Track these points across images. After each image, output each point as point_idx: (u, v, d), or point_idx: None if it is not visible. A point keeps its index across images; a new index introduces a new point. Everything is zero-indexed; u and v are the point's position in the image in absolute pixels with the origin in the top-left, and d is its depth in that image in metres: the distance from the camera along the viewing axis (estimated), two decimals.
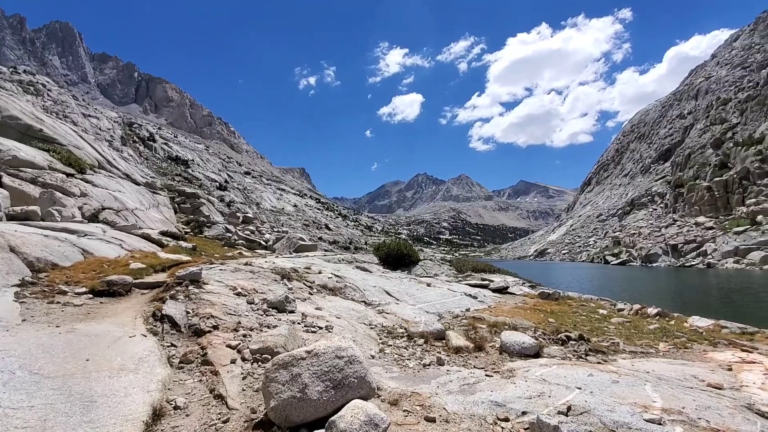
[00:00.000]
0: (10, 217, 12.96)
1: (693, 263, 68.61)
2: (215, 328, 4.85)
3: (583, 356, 5.47)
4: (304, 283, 8.99)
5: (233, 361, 3.94)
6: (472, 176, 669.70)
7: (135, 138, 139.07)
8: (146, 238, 16.54)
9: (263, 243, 38.85)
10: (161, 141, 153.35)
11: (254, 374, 3.74)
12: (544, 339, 6.43)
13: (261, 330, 5.05)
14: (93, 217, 19.51)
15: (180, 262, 11.06)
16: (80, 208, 19.02)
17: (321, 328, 5.65)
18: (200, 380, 3.66)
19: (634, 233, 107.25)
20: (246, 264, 9.73)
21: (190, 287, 6.52)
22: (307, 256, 15.42)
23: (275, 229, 51.93)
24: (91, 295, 6.31)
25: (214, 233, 33.95)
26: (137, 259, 9.76)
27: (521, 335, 5.54)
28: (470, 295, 11.39)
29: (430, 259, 17.47)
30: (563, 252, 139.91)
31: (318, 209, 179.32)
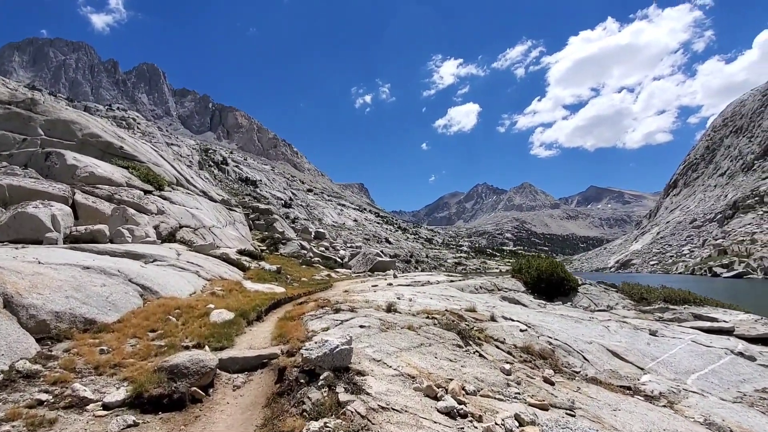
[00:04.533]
0: (73, 239, 10.65)
1: None
2: None
3: None
4: (497, 347, 5.02)
5: None
6: (535, 184, 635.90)
7: (210, 162, 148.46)
8: (226, 260, 13.79)
9: (339, 260, 35.97)
10: (233, 164, 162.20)
11: None
12: None
13: None
14: (170, 236, 17.50)
15: (275, 298, 7.69)
16: (156, 227, 17.03)
17: None
18: None
19: (744, 240, 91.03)
20: (389, 311, 5.96)
21: (340, 391, 2.78)
22: (429, 283, 11.54)
23: (348, 245, 49.34)
24: (133, 417, 2.79)
25: (290, 250, 31.65)
26: (219, 297, 6.46)
27: None
28: (741, 354, 6.68)
29: (590, 284, 12.72)
30: (652, 263, 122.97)
31: (378, 223, 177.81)
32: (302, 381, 3.09)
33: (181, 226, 19.07)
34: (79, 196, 15.19)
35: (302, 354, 3.27)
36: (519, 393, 3.47)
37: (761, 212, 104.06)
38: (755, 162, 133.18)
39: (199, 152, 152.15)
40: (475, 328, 5.60)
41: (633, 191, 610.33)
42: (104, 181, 18.03)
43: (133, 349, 3.98)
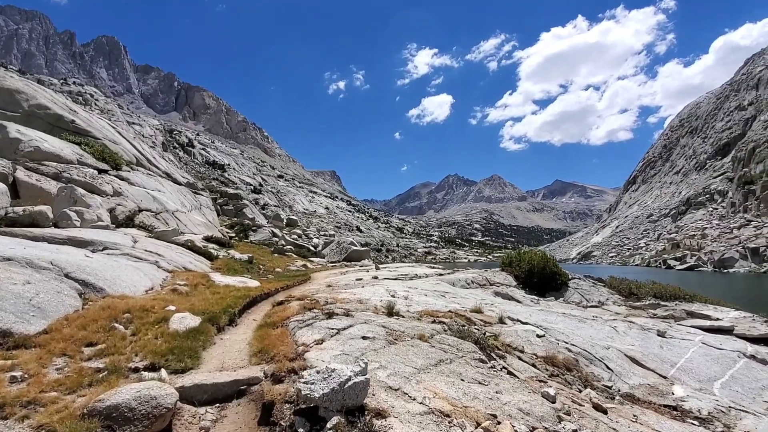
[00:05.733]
0: (8, 222, 9.09)
1: None
2: None
3: None
4: (520, 358, 4.30)
5: None
6: (504, 176, 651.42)
7: (175, 144, 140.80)
8: (191, 248, 12.48)
9: (312, 249, 34.78)
10: (199, 147, 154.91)
11: None
12: None
13: None
14: (127, 221, 15.84)
15: (249, 295, 6.67)
16: (112, 210, 15.36)
17: None
18: None
19: (695, 234, 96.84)
20: (391, 314, 5.11)
21: None
22: (417, 276, 10.81)
23: (321, 233, 48.03)
24: None
25: (261, 238, 30.18)
26: (183, 295, 5.39)
27: None
28: (753, 357, 6.39)
29: (579, 278, 12.39)
30: (611, 255, 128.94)
31: (349, 211, 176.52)
32: (300, 430, 2.19)
33: (140, 210, 17.38)
34: (21, 173, 13.33)
35: (300, 389, 2.35)
36: (577, 431, 2.75)
37: (711, 209, 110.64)
38: (707, 162, 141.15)
39: (163, 133, 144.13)
40: (488, 334, 4.88)
41: (595, 186, 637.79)
42: (52, 157, 16.03)
43: (59, 374, 2.92)
